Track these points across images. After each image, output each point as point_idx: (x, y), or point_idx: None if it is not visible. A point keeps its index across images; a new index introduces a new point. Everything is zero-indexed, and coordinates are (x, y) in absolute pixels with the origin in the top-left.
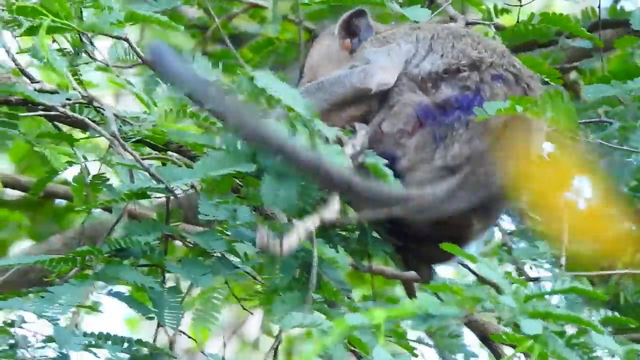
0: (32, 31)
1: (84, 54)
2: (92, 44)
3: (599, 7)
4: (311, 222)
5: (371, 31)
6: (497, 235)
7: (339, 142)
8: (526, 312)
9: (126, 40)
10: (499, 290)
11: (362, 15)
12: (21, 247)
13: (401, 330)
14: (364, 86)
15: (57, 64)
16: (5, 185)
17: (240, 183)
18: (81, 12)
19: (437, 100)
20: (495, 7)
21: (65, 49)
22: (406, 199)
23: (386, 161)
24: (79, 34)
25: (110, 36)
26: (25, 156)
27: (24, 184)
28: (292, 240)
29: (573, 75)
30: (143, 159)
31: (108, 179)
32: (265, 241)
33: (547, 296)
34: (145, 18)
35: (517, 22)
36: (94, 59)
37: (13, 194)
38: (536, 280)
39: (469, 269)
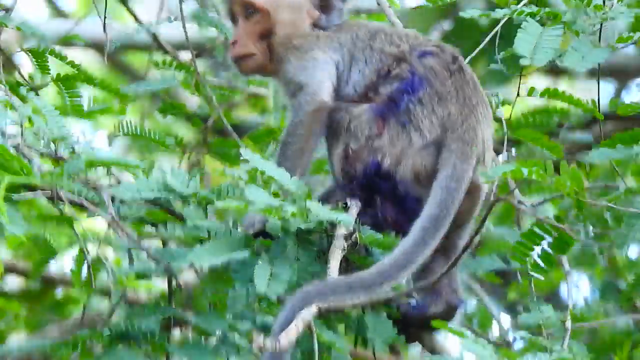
0: None
1: None
2: None
3: (598, 100)
4: (308, 312)
5: (340, 18)
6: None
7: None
8: None
9: None
10: None
11: None
12: (17, 339)
13: None
14: (307, 114)
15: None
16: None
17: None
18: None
19: (383, 98)
20: (496, 95)
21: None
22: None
23: (380, 235)
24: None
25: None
26: (22, 243)
27: (21, 270)
28: (291, 333)
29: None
30: (142, 239)
31: (106, 262)
32: (262, 344)
33: None
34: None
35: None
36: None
37: (12, 283)
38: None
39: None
